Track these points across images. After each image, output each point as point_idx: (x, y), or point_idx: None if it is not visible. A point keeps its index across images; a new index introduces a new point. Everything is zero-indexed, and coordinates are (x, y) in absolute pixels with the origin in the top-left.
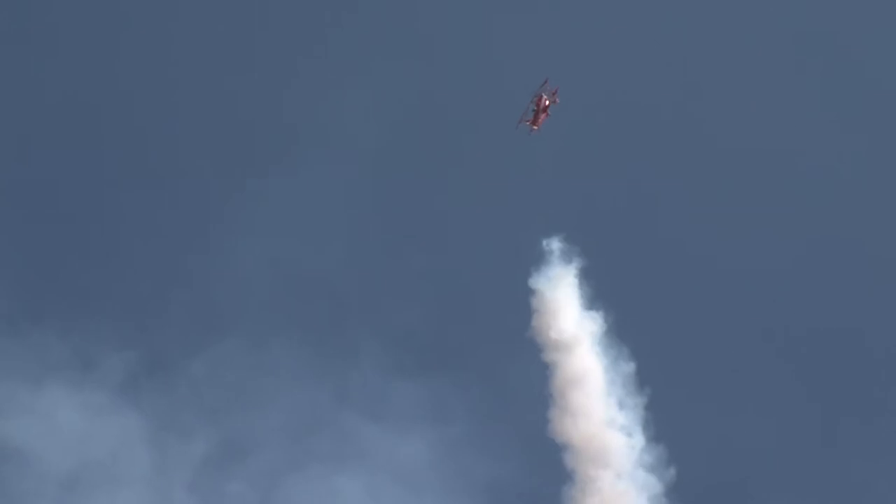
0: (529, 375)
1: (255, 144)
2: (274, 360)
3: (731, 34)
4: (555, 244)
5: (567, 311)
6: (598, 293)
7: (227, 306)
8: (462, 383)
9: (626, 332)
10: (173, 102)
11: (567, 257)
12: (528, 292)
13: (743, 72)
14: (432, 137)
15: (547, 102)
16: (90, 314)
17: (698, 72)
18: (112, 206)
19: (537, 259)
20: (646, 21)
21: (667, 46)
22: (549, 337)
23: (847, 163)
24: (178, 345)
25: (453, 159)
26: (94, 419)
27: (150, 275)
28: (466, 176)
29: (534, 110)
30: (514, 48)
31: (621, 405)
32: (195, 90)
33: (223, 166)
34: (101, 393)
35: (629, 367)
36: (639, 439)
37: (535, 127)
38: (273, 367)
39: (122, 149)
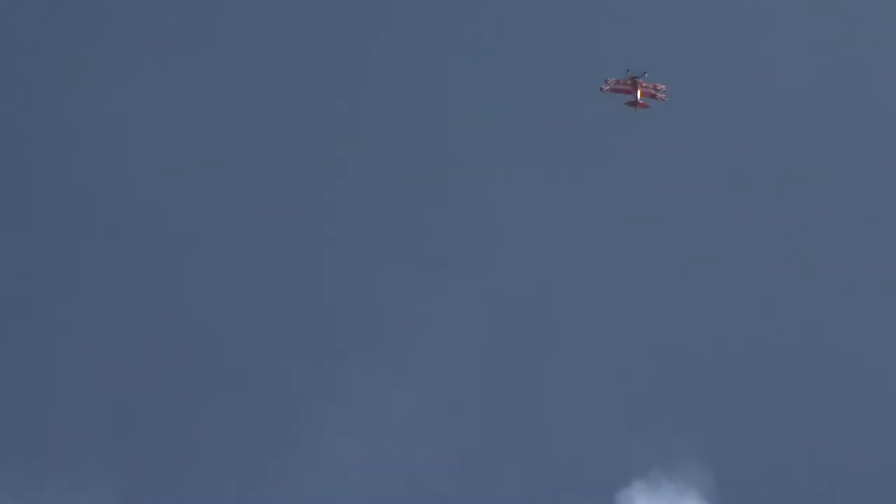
0: None
1: (349, 340)
2: None
3: None
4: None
5: None
6: None
7: None
8: None
9: None
10: (261, 310)
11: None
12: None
13: None
14: (524, 341)
15: (644, 89)
16: None
17: None
18: (200, 408)
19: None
20: None
21: None
22: None
23: None
24: None
25: (547, 362)
26: None
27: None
28: (557, 379)
29: (627, 88)
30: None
31: None
32: (286, 292)
33: (316, 363)
34: None
35: None
36: None
37: (637, 105)
38: None
39: (209, 354)
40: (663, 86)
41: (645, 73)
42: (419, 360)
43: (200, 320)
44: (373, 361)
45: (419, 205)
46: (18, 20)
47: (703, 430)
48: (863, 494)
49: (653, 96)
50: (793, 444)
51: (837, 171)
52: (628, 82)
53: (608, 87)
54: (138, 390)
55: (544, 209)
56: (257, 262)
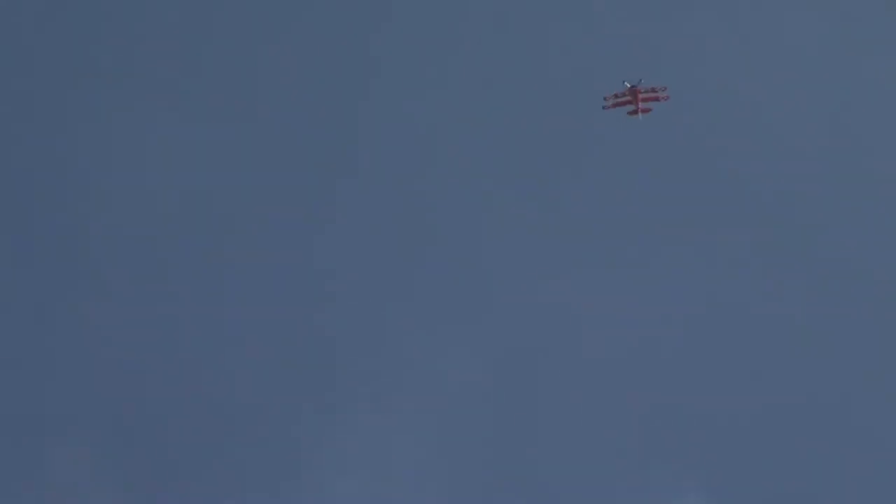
0: None
1: (347, 384)
2: None
3: None
4: None
5: None
6: None
7: None
8: None
9: None
10: (258, 353)
11: None
12: None
13: None
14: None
15: (644, 96)
16: None
17: None
18: (197, 449)
19: None
20: None
21: None
22: None
23: None
24: None
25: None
26: None
27: None
28: (558, 426)
29: (628, 99)
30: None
31: None
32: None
33: (314, 403)
34: None
35: None
36: None
37: (637, 113)
38: None
39: (203, 397)
40: (662, 86)
41: (640, 80)
42: (419, 404)
43: (194, 360)
44: (372, 405)
45: (420, 247)
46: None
47: (705, 484)
48: None
49: (655, 98)
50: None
51: (845, 236)
52: (627, 94)
53: (610, 104)
54: (132, 433)
55: (546, 256)
56: (254, 304)
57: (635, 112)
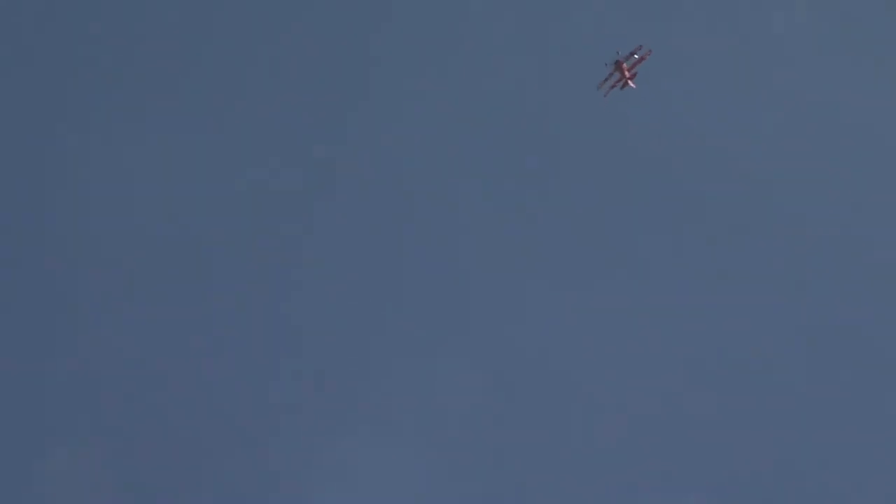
0: None
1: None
2: None
3: None
4: None
5: None
6: None
7: None
8: None
9: None
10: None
11: None
12: None
13: None
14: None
15: (628, 67)
16: None
17: None
18: (193, 475)
19: None
20: None
21: None
22: None
23: None
24: None
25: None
26: None
27: None
28: (557, 443)
29: (618, 76)
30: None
31: None
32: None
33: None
34: None
35: None
36: None
37: (626, 81)
38: None
39: (200, 422)
40: (637, 47)
41: (618, 51)
42: (417, 423)
43: (189, 383)
44: (371, 427)
45: (414, 269)
46: None
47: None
48: None
49: (640, 61)
50: None
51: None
52: (614, 71)
53: (606, 90)
54: (129, 457)
55: (544, 272)
56: (248, 316)
57: (624, 84)
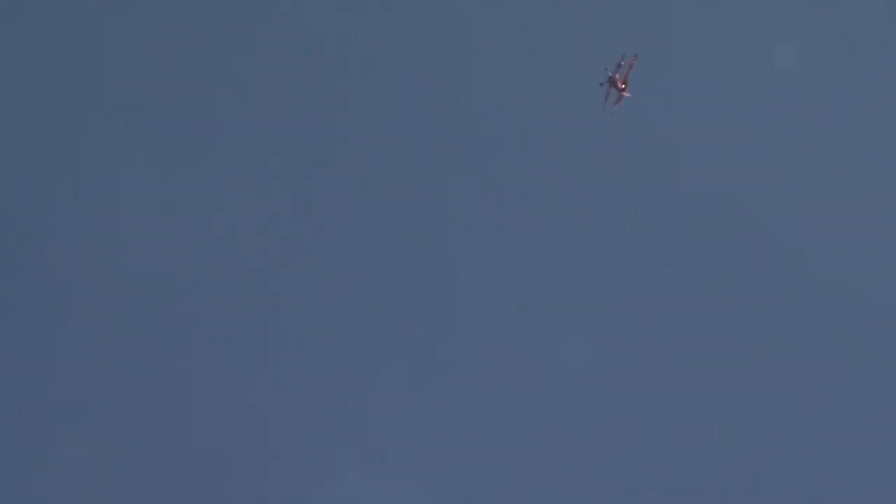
0: None
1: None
2: None
3: None
4: None
5: None
6: None
7: None
8: None
9: None
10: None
11: None
12: None
13: None
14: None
15: (620, 80)
16: None
17: None
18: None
19: None
20: None
21: None
22: None
23: None
24: None
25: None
26: None
27: None
28: (550, 469)
29: (609, 90)
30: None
31: None
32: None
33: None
34: None
35: None
36: None
37: (621, 94)
38: None
39: (197, 449)
40: (621, 56)
41: (605, 68)
42: (411, 453)
43: (181, 409)
44: (363, 455)
45: (409, 297)
46: None
47: None
48: None
49: (630, 68)
50: None
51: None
52: (610, 87)
53: (612, 110)
54: (129, 457)
55: (536, 295)
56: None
57: (620, 98)
